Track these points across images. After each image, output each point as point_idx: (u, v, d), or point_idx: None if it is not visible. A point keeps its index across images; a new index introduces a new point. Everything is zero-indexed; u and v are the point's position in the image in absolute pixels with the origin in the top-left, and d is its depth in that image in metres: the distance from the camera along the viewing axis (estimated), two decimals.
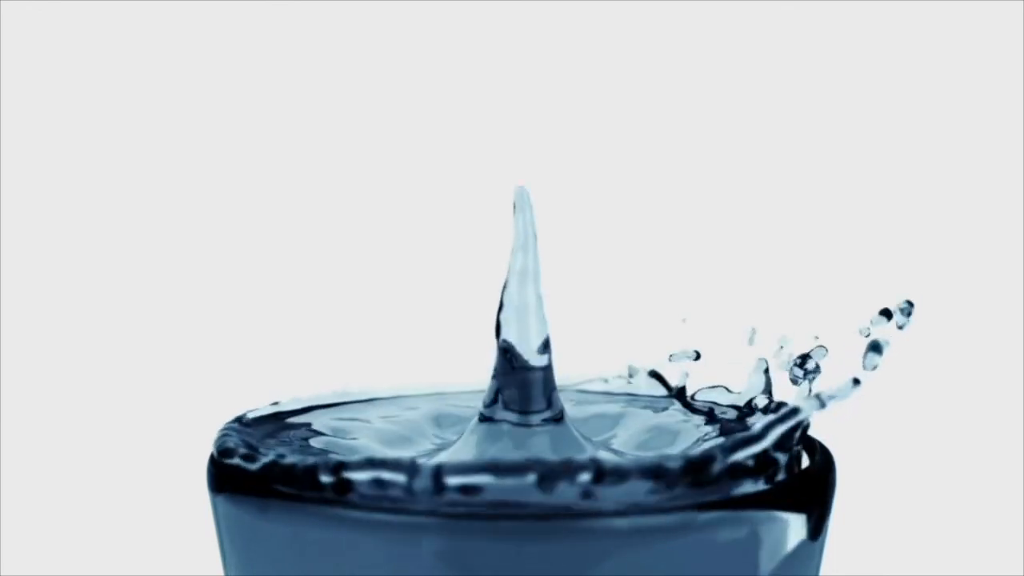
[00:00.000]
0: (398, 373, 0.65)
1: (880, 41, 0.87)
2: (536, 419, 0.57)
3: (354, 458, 0.52)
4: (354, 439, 0.59)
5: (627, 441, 0.59)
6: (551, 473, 0.50)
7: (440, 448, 0.58)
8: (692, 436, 0.59)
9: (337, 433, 0.59)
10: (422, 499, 0.51)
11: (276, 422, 0.60)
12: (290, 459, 0.52)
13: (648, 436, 0.60)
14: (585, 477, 0.50)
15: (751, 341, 0.61)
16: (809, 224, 0.83)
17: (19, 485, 0.86)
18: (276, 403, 0.61)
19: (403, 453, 0.58)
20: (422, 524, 0.50)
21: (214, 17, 0.89)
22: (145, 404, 0.86)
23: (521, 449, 0.56)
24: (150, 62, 0.89)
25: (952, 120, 0.87)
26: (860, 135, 0.86)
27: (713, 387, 0.62)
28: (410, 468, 0.51)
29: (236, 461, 0.54)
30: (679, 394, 0.63)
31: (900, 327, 0.58)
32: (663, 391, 0.64)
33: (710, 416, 0.61)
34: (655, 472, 0.51)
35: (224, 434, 0.56)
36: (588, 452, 0.56)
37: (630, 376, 0.64)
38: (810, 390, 0.58)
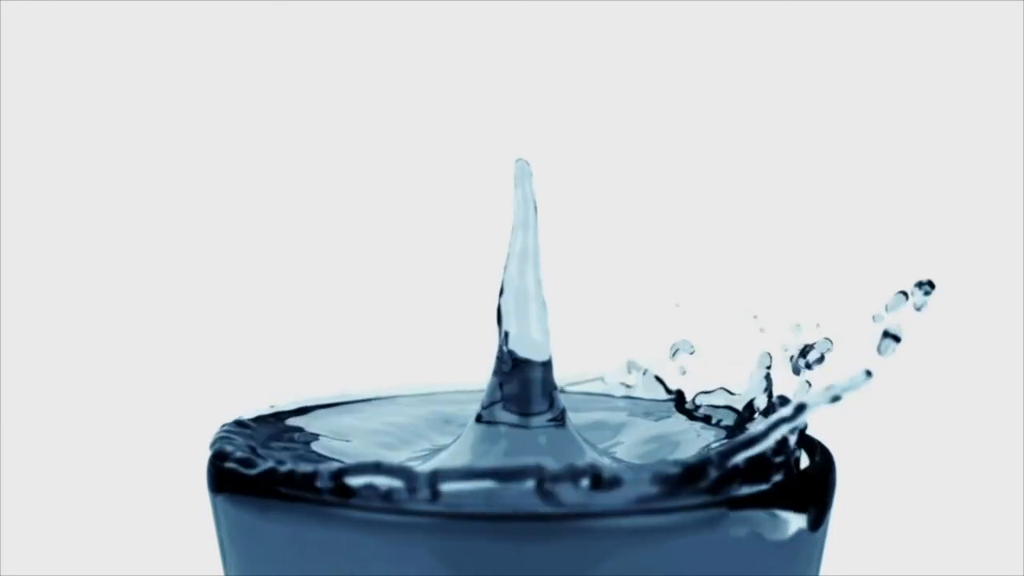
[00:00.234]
0: (397, 373, 0.65)
1: (882, 34, 0.86)
2: (536, 421, 0.57)
3: (352, 464, 0.52)
4: (352, 440, 0.59)
5: (629, 446, 0.59)
6: (549, 479, 0.50)
7: (438, 449, 0.58)
8: (695, 440, 0.59)
9: (335, 434, 0.59)
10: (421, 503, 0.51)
11: (274, 423, 0.60)
12: (288, 467, 0.52)
13: (650, 440, 0.60)
14: (583, 484, 0.50)
15: (752, 329, 0.61)
16: (811, 216, 0.83)
17: (19, 484, 0.86)
18: (273, 405, 0.61)
19: (401, 454, 0.58)
20: (422, 524, 0.50)
21: (213, 17, 0.89)
22: (145, 404, 0.86)
23: (520, 452, 0.56)
24: (150, 62, 0.89)
25: (956, 109, 0.87)
26: (862, 126, 0.86)
27: (713, 391, 0.62)
28: (408, 475, 0.51)
29: (233, 466, 0.54)
30: (679, 397, 0.63)
31: (918, 308, 0.57)
32: (663, 393, 0.64)
33: (712, 418, 0.61)
34: (653, 479, 0.51)
35: (220, 437, 0.56)
36: (587, 457, 0.56)
37: (628, 372, 0.64)
38: (808, 386, 0.58)
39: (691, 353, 0.63)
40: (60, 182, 0.90)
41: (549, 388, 0.57)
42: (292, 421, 0.60)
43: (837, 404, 0.53)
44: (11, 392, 0.87)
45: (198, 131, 0.89)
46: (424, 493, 0.50)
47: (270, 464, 0.53)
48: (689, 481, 0.51)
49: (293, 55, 0.89)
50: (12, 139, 0.89)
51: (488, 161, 0.63)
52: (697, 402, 0.62)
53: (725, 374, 0.62)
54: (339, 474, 0.51)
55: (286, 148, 0.89)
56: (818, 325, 0.59)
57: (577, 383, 0.64)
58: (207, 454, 0.56)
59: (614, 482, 0.50)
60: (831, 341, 0.59)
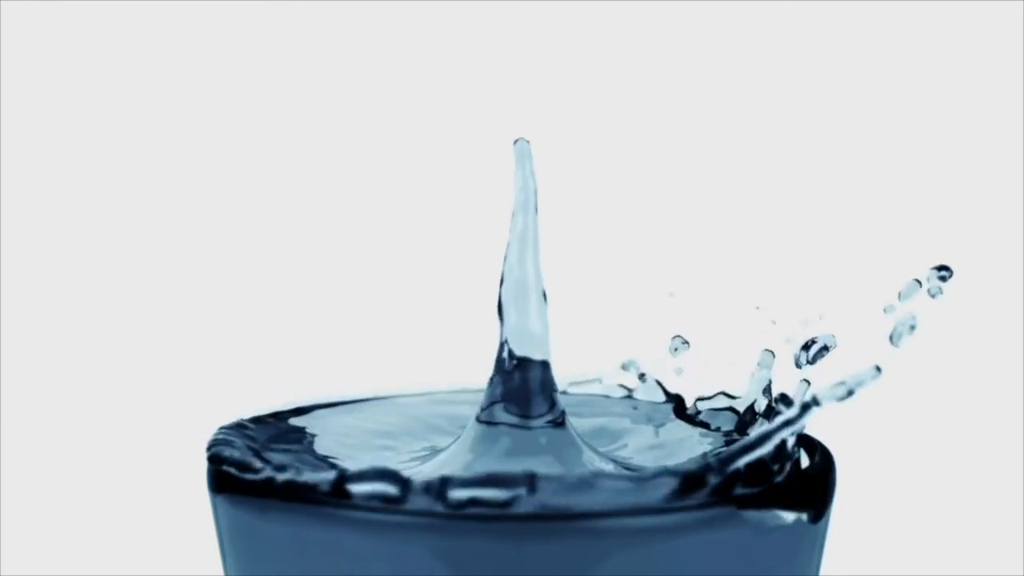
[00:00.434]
0: (397, 373, 0.65)
1: (882, 27, 0.86)
2: (536, 422, 0.57)
3: (352, 471, 0.51)
4: (352, 441, 0.59)
5: (630, 449, 0.59)
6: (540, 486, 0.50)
7: (438, 450, 0.58)
8: (696, 441, 0.59)
9: (335, 435, 0.59)
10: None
11: (273, 423, 0.60)
12: (286, 475, 0.52)
13: (651, 442, 0.60)
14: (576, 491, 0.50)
15: (754, 325, 0.60)
16: (811, 210, 0.83)
17: (19, 483, 0.86)
18: (273, 406, 0.61)
19: (401, 455, 0.58)
20: (422, 524, 0.50)
21: (212, 17, 0.89)
22: (145, 404, 0.86)
23: (520, 453, 0.56)
24: (150, 62, 0.89)
25: (957, 104, 0.87)
26: (862, 117, 0.86)
27: (713, 396, 0.62)
28: (409, 483, 0.50)
29: (230, 470, 0.54)
30: (679, 403, 0.63)
31: (933, 295, 0.56)
32: (664, 395, 0.64)
33: (714, 419, 0.61)
34: (654, 487, 0.51)
35: (217, 441, 0.56)
36: (586, 459, 0.56)
37: (626, 372, 0.64)
38: (808, 386, 0.58)
39: (686, 344, 0.63)
40: (59, 183, 0.90)
41: (549, 389, 0.57)
42: (291, 422, 0.60)
43: (847, 401, 0.52)
44: (11, 392, 0.87)
45: (197, 131, 0.89)
46: (423, 501, 0.50)
47: (267, 474, 0.53)
48: (689, 489, 0.51)
49: (289, 50, 0.89)
50: (12, 139, 0.89)
51: (488, 160, 0.63)
52: (698, 407, 0.62)
53: (726, 374, 0.62)
54: (340, 482, 0.51)
55: (284, 145, 0.89)
56: (821, 317, 0.59)
57: (576, 383, 0.64)
58: (206, 455, 0.56)
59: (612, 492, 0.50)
60: (834, 336, 0.59)
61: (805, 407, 0.53)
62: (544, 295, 0.56)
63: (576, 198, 0.68)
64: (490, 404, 0.57)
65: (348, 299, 0.85)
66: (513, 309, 0.56)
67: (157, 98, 0.89)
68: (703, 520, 0.51)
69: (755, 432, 0.53)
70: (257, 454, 0.55)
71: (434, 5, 0.88)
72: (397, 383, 0.64)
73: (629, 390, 0.64)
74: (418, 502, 0.50)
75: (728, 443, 0.59)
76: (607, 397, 0.64)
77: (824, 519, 0.55)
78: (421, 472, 0.55)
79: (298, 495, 0.52)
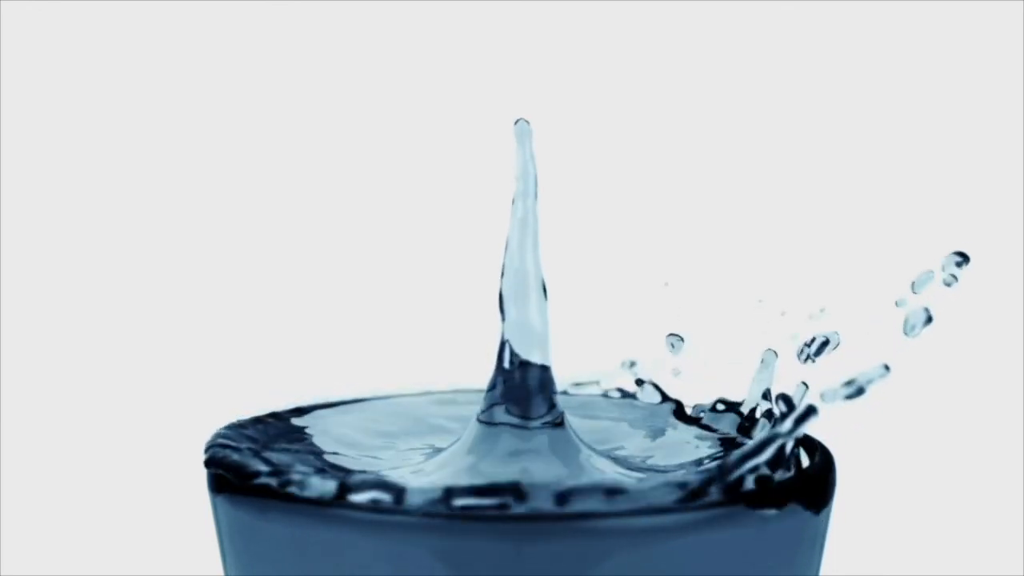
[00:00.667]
0: (397, 373, 0.65)
1: (882, 21, 0.86)
2: (536, 423, 0.57)
3: (354, 480, 0.51)
4: (352, 442, 0.59)
5: (630, 450, 0.59)
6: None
7: (439, 450, 0.58)
8: (697, 442, 0.59)
9: (335, 436, 0.59)
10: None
11: (273, 423, 0.60)
12: (284, 479, 0.52)
13: (652, 443, 0.60)
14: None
15: (756, 323, 0.60)
16: (814, 206, 0.82)
17: (20, 483, 0.86)
18: (273, 406, 0.61)
19: (401, 456, 0.58)
20: (422, 525, 0.50)
21: (211, 17, 0.89)
22: (145, 404, 0.86)
23: (520, 455, 0.56)
24: (150, 62, 0.89)
25: (957, 101, 0.86)
26: (863, 113, 0.86)
27: (713, 404, 0.62)
28: (406, 492, 0.50)
29: (226, 475, 0.54)
30: (678, 407, 0.63)
31: (948, 284, 0.56)
32: (663, 397, 0.64)
33: (715, 421, 0.61)
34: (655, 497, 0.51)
35: (214, 444, 0.56)
36: (586, 460, 0.56)
37: (625, 373, 0.64)
38: (806, 389, 0.58)
39: (683, 341, 0.63)
40: (59, 183, 0.90)
41: (549, 389, 0.57)
42: (291, 422, 0.60)
43: (856, 401, 0.52)
44: (12, 392, 0.87)
45: (196, 131, 0.89)
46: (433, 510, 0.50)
47: (264, 480, 0.53)
48: (690, 500, 0.51)
49: (282, 45, 0.89)
50: (12, 139, 0.89)
51: (488, 159, 0.63)
52: (698, 411, 0.62)
53: (727, 373, 0.62)
54: (342, 493, 0.51)
55: (284, 146, 0.89)
56: (822, 310, 0.59)
57: (577, 385, 0.64)
58: (204, 458, 0.56)
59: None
60: (838, 333, 0.58)
61: (808, 412, 0.53)
62: (544, 289, 0.56)
63: (575, 196, 0.68)
64: (490, 404, 0.57)
65: (348, 299, 0.85)
66: (513, 305, 0.56)
67: (156, 98, 0.89)
68: (703, 520, 0.51)
69: (756, 438, 0.53)
70: (256, 456, 0.55)
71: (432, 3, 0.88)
72: (397, 383, 0.64)
73: (629, 392, 0.64)
74: (416, 509, 0.50)
75: (729, 445, 0.59)
76: (607, 397, 0.64)
77: (824, 519, 0.55)
78: (421, 475, 0.55)
79: (296, 499, 0.52)
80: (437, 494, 0.50)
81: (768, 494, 0.52)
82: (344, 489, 0.51)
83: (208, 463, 0.55)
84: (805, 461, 0.56)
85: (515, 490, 0.50)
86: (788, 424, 0.53)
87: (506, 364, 0.57)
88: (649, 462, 0.58)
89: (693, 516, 0.51)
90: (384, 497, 0.51)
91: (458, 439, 0.58)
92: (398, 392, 0.64)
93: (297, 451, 0.57)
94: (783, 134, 0.86)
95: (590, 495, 0.50)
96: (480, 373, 0.58)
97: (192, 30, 0.89)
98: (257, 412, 0.60)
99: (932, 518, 0.82)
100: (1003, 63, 0.86)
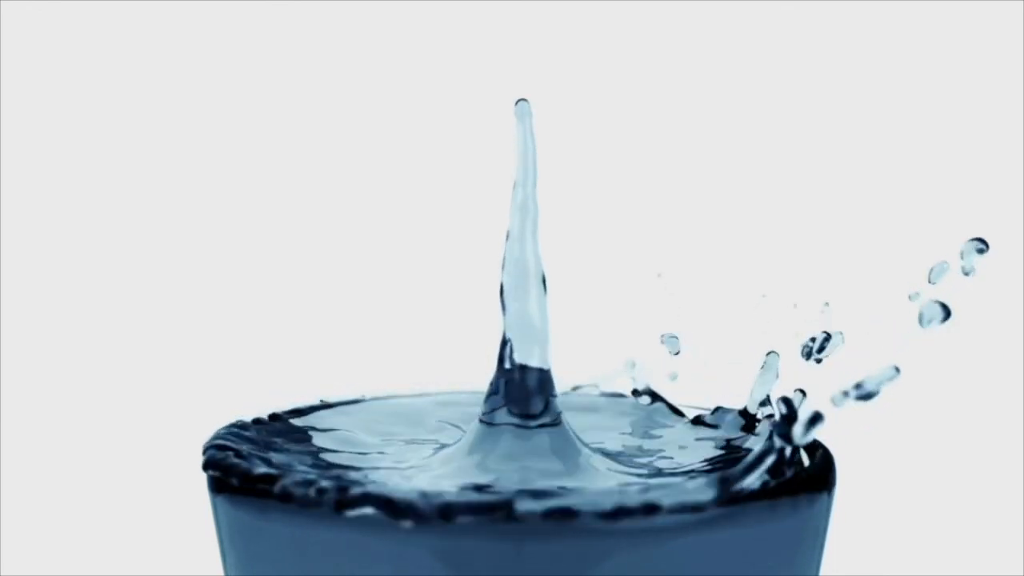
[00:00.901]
0: (397, 373, 0.65)
1: (888, 19, 0.86)
2: (536, 422, 0.57)
3: (355, 492, 0.51)
4: (353, 443, 0.59)
5: (631, 450, 0.59)
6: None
7: (438, 451, 0.58)
8: (698, 443, 0.59)
9: (334, 437, 0.59)
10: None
11: (272, 424, 0.60)
12: (286, 479, 0.52)
13: (653, 444, 0.60)
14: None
15: (758, 321, 0.60)
16: (815, 204, 0.82)
17: (20, 482, 0.86)
18: (273, 406, 0.61)
19: (400, 457, 0.58)
20: (422, 524, 0.50)
21: (211, 17, 0.89)
22: (145, 404, 0.86)
23: (519, 455, 0.56)
24: (150, 62, 0.89)
25: (958, 100, 0.86)
26: (864, 111, 0.86)
27: (714, 411, 0.62)
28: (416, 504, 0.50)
29: (224, 478, 0.54)
30: (679, 406, 0.63)
31: (967, 273, 0.55)
32: (664, 398, 0.63)
33: (716, 422, 0.61)
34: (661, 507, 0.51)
35: (213, 445, 0.56)
36: (586, 461, 0.56)
37: (624, 374, 0.64)
38: (803, 396, 0.57)
39: (676, 340, 0.63)
40: (59, 183, 0.90)
41: (548, 389, 0.57)
42: (291, 422, 0.60)
43: (867, 403, 0.51)
44: (12, 392, 0.87)
45: (196, 132, 0.89)
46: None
47: (262, 480, 0.53)
48: (696, 510, 0.51)
49: (278, 44, 0.89)
50: (12, 140, 0.89)
51: (488, 158, 0.63)
52: (699, 412, 0.62)
53: (728, 373, 0.62)
54: (341, 506, 0.51)
55: (284, 145, 0.89)
56: (826, 304, 0.58)
57: (574, 388, 0.64)
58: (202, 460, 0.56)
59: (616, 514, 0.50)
60: (842, 333, 0.58)
61: (814, 419, 0.52)
62: (544, 283, 0.56)
63: (575, 195, 0.68)
64: (490, 404, 0.57)
65: (347, 299, 0.85)
66: (514, 300, 0.56)
67: (155, 99, 0.89)
68: (703, 520, 0.51)
69: (759, 448, 0.53)
70: (256, 456, 0.55)
71: (431, 5, 0.88)
72: (397, 383, 0.64)
73: (630, 394, 0.64)
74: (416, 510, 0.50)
75: (729, 447, 0.59)
76: (608, 397, 0.64)
77: (824, 519, 0.55)
78: (421, 475, 0.55)
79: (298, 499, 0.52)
80: (438, 501, 0.50)
81: (768, 494, 0.52)
82: (344, 491, 0.51)
83: (206, 465, 0.55)
84: (805, 461, 0.56)
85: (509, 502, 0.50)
86: (796, 433, 0.52)
87: (507, 364, 0.57)
88: (649, 463, 0.58)
89: (693, 516, 0.51)
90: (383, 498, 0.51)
91: (459, 438, 0.58)
92: (398, 392, 0.64)
93: (297, 451, 0.57)
94: (783, 131, 0.86)
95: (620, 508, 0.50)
96: (480, 373, 0.58)
97: (192, 30, 0.89)
98: (257, 412, 0.60)
99: (932, 518, 0.82)
100: (1002, 63, 0.86)
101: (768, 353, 0.60)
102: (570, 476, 0.54)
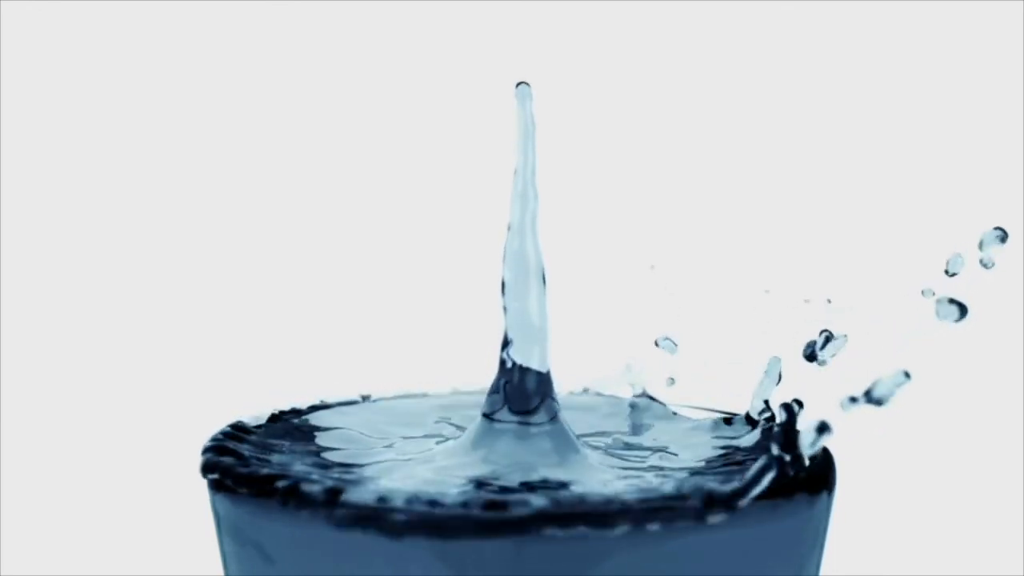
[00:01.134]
0: (397, 373, 0.65)
1: (891, 15, 0.86)
2: (535, 420, 0.57)
3: (354, 499, 0.51)
4: (351, 443, 0.59)
5: (630, 451, 0.59)
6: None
7: (438, 449, 0.58)
8: (699, 443, 0.59)
9: (334, 437, 0.59)
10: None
11: (273, 425, 0.60)
12: (286, 479, 0.52)
13: (654, 444, 0.60)
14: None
15: (760, 322, 0.60)
16: (816, 202, 0.82)
17: (20, 481, 0.86)
18: (273, 407, 0.61)
19: (401, 456, 0.58)
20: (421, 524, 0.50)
21: (211, 17, 0.89)
22: (145, 404, 0.86)
23: (519, 455, 0.56)
24: (150, 62, 0.89)
25: (959, 100, 0.86)
26: (865, 111, 0.86)
27: (716, 418, 0.62)
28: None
29: (222, 480, 0.54)
30: (680, 407, 0.63)
31: (986, 266, 0.54)
32: (665, 399, 0.63)
33: (717, 423, 0.61)
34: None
35: (213, 447, 0.56)
36: (584, 460, 0.56)
37: (623, 370, 0.64)
38: (800, 407, 0.57)
39: (674, 344, 0.63)
40: (60, 184, 0.90)
41: (547, 390, 0.57)
42: (290, 422, 0.60)
43: (879, 408, 0.51)
44: (12, 392, 0.87)
45: (196, 133, 0.89)
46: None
47: (262, 480, 0.53)
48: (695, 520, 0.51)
49: (278, 45, 0.89)
50: (12, 140, 0.89)
51: (489, 156, 0.63)
52: (698, 416, 0.62)
53: (727, 374, 0.62)
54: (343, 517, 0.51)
55: (284, 145, 0.89)
56: (829, 300, 0.58)
57: (571, 394, 0.64)
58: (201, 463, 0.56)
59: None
60: (846, 336, 0.58)
61: (821, 429, 0.52)
62: (544, 278, 0.56)
63: (575, 194, 0.68)
64: (491, 402, 0.57)
65: (347, 300, 0.85)
66: (514, 297, 0.56)
67: (155, 99, 0.89)
68: (703, 520, 0.51)
69: (760, 463, 0.53)
70: (255, 458, 0.55)
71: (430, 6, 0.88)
72: (397, 383, 0.64)
73: (631, 395, 0.64)
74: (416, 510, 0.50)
75: (728, 448, 0.59)
76: (607, 397, 0.64)
77: (824, 518, 0.55)
78: (421, 473, 0.55)
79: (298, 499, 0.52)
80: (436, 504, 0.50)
81: (768, 494, 0.52)
82: (343, 490, 0.51)
83: (205, 466, 0.55)
84: (806, 461, 0.56)
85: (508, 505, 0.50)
86: (803, 443, 0.52)
87: (507, 364, 0.57)
88: (649, 463, 0.58)
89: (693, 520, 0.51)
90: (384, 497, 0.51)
91: (458, 437, 0.58)
92: (398, 393, 0.64)
93: (296, 452, 0.57)
94: (785, 129, 0.86)
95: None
96: (481, 373, 0.59)
97: (192, 30, 0.89)
98: (257, 412, 0.60)
99: (932, 518, 0.82)
100: (1002, 63, 0.86)
101: (771, 358, 0.60)
102: (569, 476, 0.54)
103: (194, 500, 0.58)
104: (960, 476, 0.84)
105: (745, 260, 0.74)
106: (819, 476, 0.54)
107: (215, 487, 0.54)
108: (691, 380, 0.63)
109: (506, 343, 0.57)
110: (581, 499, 0.51)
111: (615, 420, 0.62)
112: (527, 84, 0.57)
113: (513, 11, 0.87)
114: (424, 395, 0.64)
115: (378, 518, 0.50)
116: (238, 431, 0.58)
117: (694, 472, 0.56)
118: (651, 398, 0.63)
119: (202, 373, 0.84)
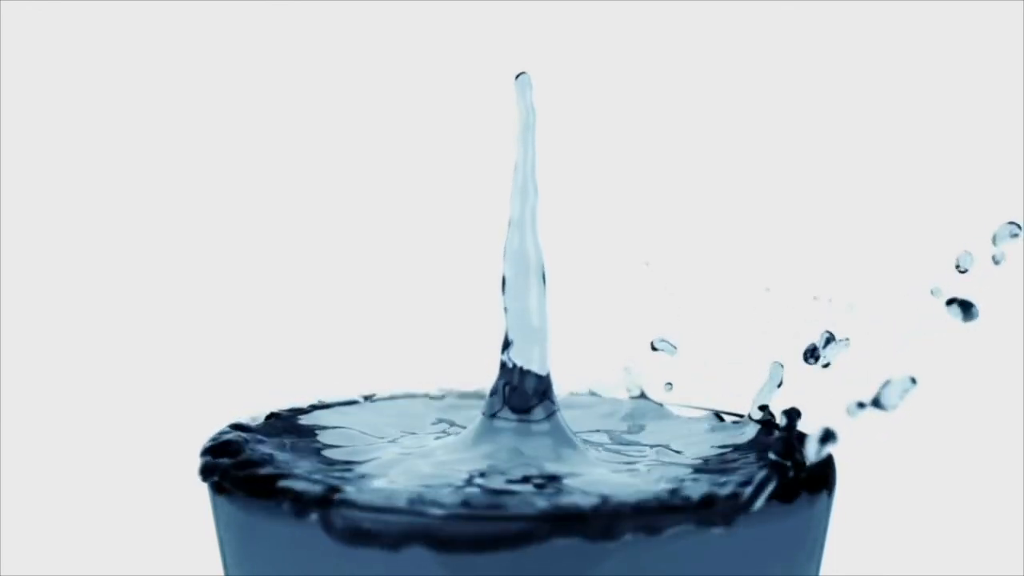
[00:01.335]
0: (398, 373, 0.65)
1: (896, 14, 0.86)
2: (534, 417, 0.57)
3: (349, 514, 0.51)
4: (351, 443, 0.59)
5: (629, 450, 0.59)
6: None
7: (437, 447, 0.58)
8: (698, 444, 0.59)
9: (334, 437, 0.59)
10: None
11: (272, 425, 0.60)
12: (286, 479, 0.52)
13: (654, 445, 0.60)
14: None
15: (761, 323, 0.60)
16: (816, 203, 0.82)
17: (19, 482, 0.86)
18: (273, 407, 0.61)
19: (401, 455, 0.58)
20: (421, 524, 0.50)
21: (211, 17, 0.89)
22: (145, 404, 0.86)
23: (518, 454, 0.56)
24: (149, 62, 0.89)
25: (959, 100, 0.86)
26: (862, 110, 0.86)
27: (726, 414, 0.62)
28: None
29: (226, 483, 0.54)
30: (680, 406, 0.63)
31: (997, 261, 0.54)
32: (665, 400, 0.63)
33: (717, 422, 0.61)
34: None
35: (211, 449, 0.56)
36: (583, 459, 0.56)
37: (623, 373, 0.64)
38: (798, 416, 0.57)
39: (673, 348, 0.63)
40: (59, 183, 0.90)
41: (547, 391, 0.57)
42: (290, 422, 0.60)
43: (885, 413, 0.50)
44: (12, 393, 0.87)
45: (196, 132, 0.89)
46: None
47: (261, 479, 0.53)
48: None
49: (278, 44, 0.89)
50: (12, 140, 0.89)
51: (489, 159, 0.63)
52: (698, 416, 0.62)
53: (727, 374, 0.62)
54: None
55: (279, 144, 0.89)
56: (830, 300, 0.58)
57: (572, 395, 0.64)
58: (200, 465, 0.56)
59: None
60: (848, 339, 0.58)
61: (826, 438, 0.52)
62: (544, 277, 0.56)
63: (574, 194, 0.68)
64: (491, 402, 0.57)
65: (347, 299, 0.85)
66: (515, 301, 0.56)
67: (155, 99, 0.89)
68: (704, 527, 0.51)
69: (762, 474, 0.52)
70: (254, 459, 0.55)
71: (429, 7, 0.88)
72: (397, 384, 0.64)
73: (631, 396, 0.64)
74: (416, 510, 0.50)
75: (729, 450, 0.59)
76: (609, 398, 0.64)
77: (824, 519, 0.55)
78: (422, 472, 0.55)
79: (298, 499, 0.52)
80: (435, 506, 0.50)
81: (768, 494, 0.52)
82: (343, 490, 0.51)
83: (204, 468, 0.55)
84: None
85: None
86: (808, 452, 0.52)
87: (508, 365, 0.57)
88: (650, 463, 0.58)
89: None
90: (383, 496, 0.51)
91: (458, 435, 0.58)
92: (398, 393, 0.64)
93: (296, 452, 0.57)
94: (785, 128, 0.86)
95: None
96: (481, 373, 0.59)
97: (192, 30, 0.89)
98: (256, 413, 0.60)
99: (932, 518, 0.82)
100: (1006, 60, 0.86)
101: (773, 364, 0.60)
102: (568, 476, 0.54)
103: (194, 500, 0.58)
104: (960, 476, 0.84)
105: (745, 259, 0.74)
106: (819, 476, 0.54)
107: (214, 488, 0.54)
108: (691, 381, 0.63)
109: (506, 345, 0.57)
110: (580, 499, 0.51)
111: (615, 420, 0.62)
112: (527, 74, 0.57)
113: (511, 4, 0.87)
114: (424, 395, 0.64)
115: (375, 533, 0.50)
116: (237, 431, 0.58)
117: (694, 474, 0.56)
118: (650, 399, 0.63)
119: (202, 373, 0.84)
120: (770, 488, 0.51)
